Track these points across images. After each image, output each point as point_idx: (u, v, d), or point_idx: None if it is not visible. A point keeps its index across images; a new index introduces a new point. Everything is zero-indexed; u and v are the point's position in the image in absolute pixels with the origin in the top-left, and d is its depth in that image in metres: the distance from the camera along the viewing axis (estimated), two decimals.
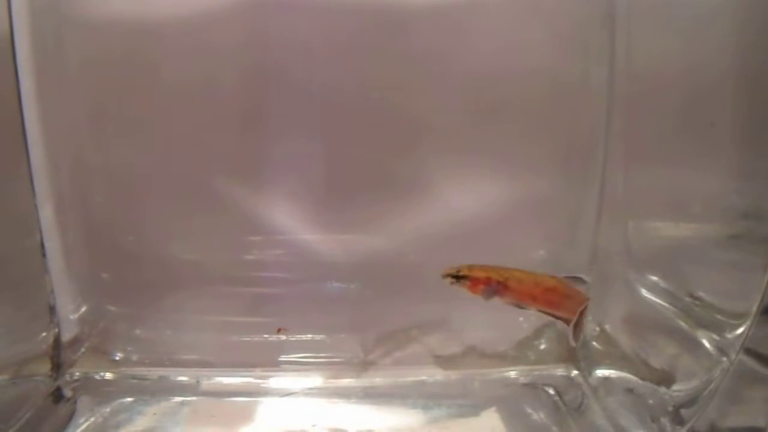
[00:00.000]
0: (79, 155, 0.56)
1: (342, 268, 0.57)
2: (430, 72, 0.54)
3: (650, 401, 0.51)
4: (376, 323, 0.57)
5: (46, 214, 0.55)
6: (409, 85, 0.54)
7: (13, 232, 0.55)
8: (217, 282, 0.58)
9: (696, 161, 0.51)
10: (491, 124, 0.55)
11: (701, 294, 0.51)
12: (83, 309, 0.58)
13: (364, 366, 0.57)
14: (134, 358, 0.58)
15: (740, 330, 0.44)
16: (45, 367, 0.56)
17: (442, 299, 0.57)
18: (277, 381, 0.57)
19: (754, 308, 0.43)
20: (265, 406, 0.55)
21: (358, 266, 0.56)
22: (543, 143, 0.56)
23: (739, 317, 0.45)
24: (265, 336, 0.57)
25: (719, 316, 0.48)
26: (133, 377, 0.58)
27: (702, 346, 0.49)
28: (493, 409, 0.54)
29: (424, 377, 0.57)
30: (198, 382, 0.57)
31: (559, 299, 0.52)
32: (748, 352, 0.44)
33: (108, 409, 0.54)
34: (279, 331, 0.57)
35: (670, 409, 0.49)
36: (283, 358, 0.57)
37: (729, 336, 0.45)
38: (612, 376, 0.55)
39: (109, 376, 0.58)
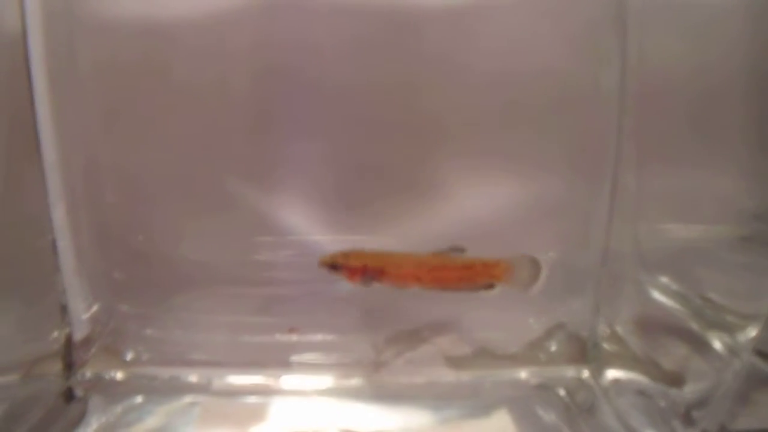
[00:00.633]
0: (91, 156, 0.57)
1: None
2: (442, 74, 0.55)
3: (661, 402, 0.52)
4: (387, 324, 0.58)
5: (59, 214, 0.56)
6: (421, 86, 0.55)
7: (26, 231, 0.56)
8: (228, 282, 0.59)
9: (708, 163, 0.52)
10: (503, 126, 0.56)
11: (712, 296, 0.52)
12: (94, 308, 0.58)
13: (375, 366, 0.58)
14: (145, 357, 0.59)
15: (751, 332, 0.45)
16: (56, 366, 0.57)
17: (453, 300, 0.58)
18: (289, 381, 0.58)
19: (765, 310, 0.45)
20: (276, 406, 0.55)
21: None
22: (554, 145, 0.56)
23: (750, 319, 0.46)
24: (276, 336, 0.58)
25: (730, 318, 0.49)
26: (144, 377, 0.59)
27: (713, 347, 0.50)
28: (504, 409, 0.55)
29: (435, 378, 0.58)
30: (209, 382, 0.58)
31: (455, 274, 0.52)
32: (759, 354, 0.45)
33: (119, 409, 0.55)
34: (291, 331, 0.57)
35: (682, 410, 0.50)
36: (294, 358, 0.58)
37: (740, 338, 0.47)
38: (623, 377, 0.56)
39: (119, 375, 0.59)
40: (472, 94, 0.55)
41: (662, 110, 0.53)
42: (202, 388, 0.58)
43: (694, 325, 0.51)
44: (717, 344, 0.49)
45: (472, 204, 0.56)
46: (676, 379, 0.52)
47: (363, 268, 0.51)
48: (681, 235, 0.54)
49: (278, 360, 0.58)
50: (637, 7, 0.54)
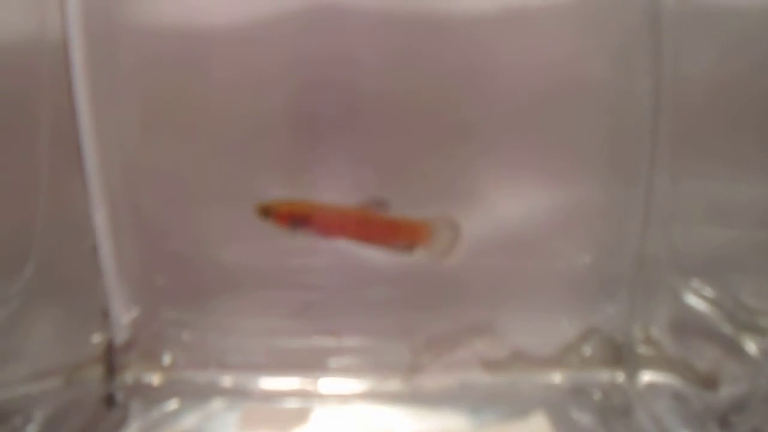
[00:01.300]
0: (131, 161, 0.59)
1: (391, 274, 0.59)
2: (479, 84, 0.56)
3: (696, 405, 0.54)
4: (424, 328, 0.60)
5: (100, 218, 0.58)
6: (458, 97, 0.56)
7: (69, 235, 0.57)
8: (266, 286, 0.61)
9: (742, 168, 0.54)
10: (538, 134, 0.57)
11: (746, 300, 0.53)
12: (135, 313, 0.60)
13: (412, 370, 0.59)
14: (182, 361, 0.61)
15: None
16: (98, 371, 0.58)
17: (488, 305, 0.60)
18: (327, 384, 0.60)
19: None
20: (315, 410, 0.57)
21: (406, 271, 0.58)
22: (589, 151, 0.58)
23: None
24: (315, 340, 0.60)
25: (763, 322, 0.51)
26: (181, 381, 0.60)
27: (746, 351, 0.51)
28: (541, 412, 0.57)
29: (471, 381, 0.59)
30: (247, 385, 0.60)
31: (378, 230, 0.54)
32: None
33: (159, 414, 0.57)
34: (332, 334, 0.59)
35: (717, 413, 0.52)
36: (332, 362, 0.60)
37: None
38: (658, 380, 0.57)
39: (157, 380, 0.60)
40: (509, 103, 0.57)
41: (697, 116, 0.55)
42: (240, 392, 0.59)
43: (728, 329, 0.53)
44: (751, 347, 0.51)
45: (508, 210, 0.58)
46: (710, 382, 0.54)
47: (290, 215, 0.54)
48: (715, 239, 0.56)
49: (316, 364, 0.60)
50: (671, 16, 0.56)
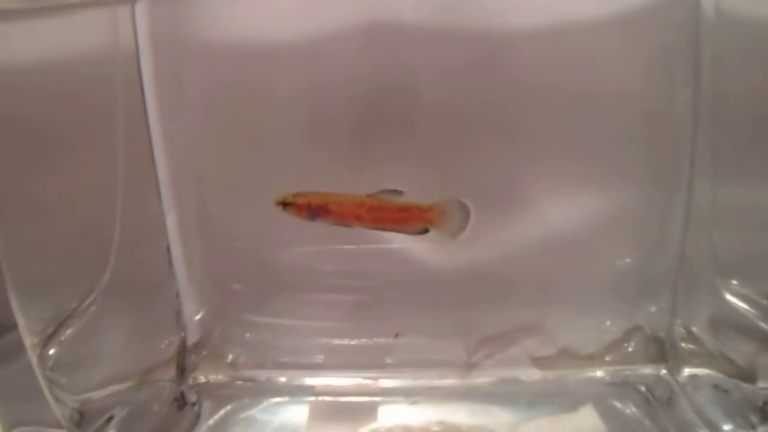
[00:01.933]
0: (198, 168, 0.63)
1: (443, 276, 0.63)
2: (528, 94, 0.60)
3: (736, 397, 0.58)
4: (478, 329, 0.64)
5: (171, 222, 0.62)
6: (509, 106, 0.60)
7: (143, 239, 0.61)
8: (326, 288, 0.65)
9: None
10: (584, 142, 0.61)
11: None
12: (204, 314, 0.63)
13: (468, 368, 0.64)
14: (248, 361, 0.65)
15: None
16: (170, 372, 0.62)
17: (538, 305, 0.64)
18: (386, 382, 0.64)
19: None
20: (378, 406, 0.62)
21: (461, 274, 0.63)
22: (632, 159, 0.62)
23: None
24: (374, 340, 0.63)
25: None
26: (248, 380, 0.65)
27: None
28: (589, 405, 0.61)
29: (523, 377, 0.64)
30: (310, 383, 0.64)
31: (392, 215, 0.57)
32: None
33: (230, 413, 0.61)
34: (396, 336, 0.63)
35: (756, 404, 0.56)
36: (390, 360, 0.64)
37: None
38: (699, 373, 0.62)
39: (225, 379, 0.64)
40: (556, 112, 0.61)
41: (735, 124, 0.59)
42: (304, 390, 0.64)
43: (765, 325, 0.57)
44: None
45: (556, 215, 0.62)
46: (749, 376, 0.58)
47: (308, 205, 0.57)
48: (753, 241, 0.60)
49: (376, 362, 0.64)
50: (710, 29, 0.59)
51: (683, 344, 0.63)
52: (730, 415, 0.58)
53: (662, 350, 0.64)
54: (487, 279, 0.63)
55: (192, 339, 0.64)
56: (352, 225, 0.58)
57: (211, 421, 0.60)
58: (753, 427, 0.55)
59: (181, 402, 0.62)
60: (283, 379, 0.65)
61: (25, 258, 0.51)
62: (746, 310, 0.59)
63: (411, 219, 0.57)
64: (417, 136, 0.61)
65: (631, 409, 0.61)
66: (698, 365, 0.62)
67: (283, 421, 0.61)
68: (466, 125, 0.61)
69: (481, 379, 0.64)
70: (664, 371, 0.64)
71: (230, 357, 0.65)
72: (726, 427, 0.56)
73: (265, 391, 0.63)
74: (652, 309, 0.64)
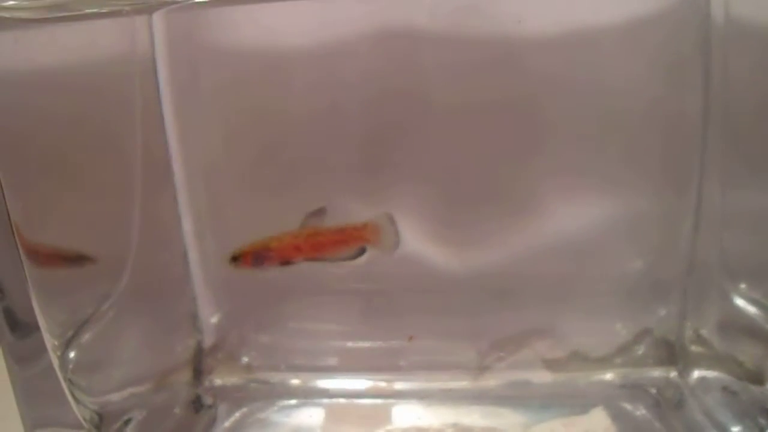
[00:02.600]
0: (213, 173, 0.64)
1: (459, 280, 0.64)
2: (541, 97, 0.61)
3: (745, 399, 0.59)
4: (489, 332, 0.65)
5: (187, 225, 0.63)
6: (521, 110, 0.61)
7: (162, 242, 0.63)
8: (339, 291, 0.66)
9: None
10: (597, 146, 0.63)
11: None
12: (219, 316, 0.65)
13: (480, 370, 0.65)
14: (263, 364, 0.66)
15: None
16: (187, 374, 0.63)
17: (549, 308, 0.65)
18: (400, 385, 0.65)
19: None
20: (392, 408, 0.63)
21: (473, 278, 0.64)
22: (642, 163, 0.63)
23: None
24: (389, 342, 0.65)
25: None
26: (263, 382, 0.66)
27: None
28: (600, 407, 0.63)
29: (534, 379, 0.65)
30: (325, 386, 0.65)
31: (330, 238, 0.59)
32: None
33: (246, 416, 0.63)
34: (410, 339, 0.64)
35: (767, 406, 0.57)
36: (403, 363, 0.66)
37: None
38: (709, 376, 0.63)
39: (241, 382, 0.65)
40: (569, 116, 0.62)
41: (745, 129, 0.60)
42: (318, 392, 0.65)
43: None
44: None
45: (568, 218, 0.63)
46: (758, 378, 0.59)
47: (251, 253, 0.59)
48: (763, 245, 0.61)
49: (389, 365, 0.65)
50: (720, 36, 0.61)
51: (693, 347, 0.64)
52: (739, 417, 0.59)
53: (672, 353, 0.65)
54: (498, 282, 0.64)
55: (208, 342, 0.66)
56: (295, 260, 0.59)
57: (227, 423, 0.62)
58: (762, 429, 0.56)
59: (197, 404, 0.64)
60: (297, 382, 0.66)
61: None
62: (755, 313, 0.60)
63: (348, 239, 0.60)
64: (430, 140, 0.62)
65: (641, 411, 0.63)
66: (708, 368, 0.63)
67: (298, 423, 0.62)
68: (480, 130, 0.62)
69: (493, 381, 0.65)
70: (674, 374, 0.65)
71: (245, 360, 0.67)
72: (735, 428, 0.58)
73: (279, 393, 0.65)
74: (662, 312, 0.65)
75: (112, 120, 0.59)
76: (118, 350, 0.60)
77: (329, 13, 0.60)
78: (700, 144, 0.62)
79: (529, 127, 0.62)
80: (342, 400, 0.64)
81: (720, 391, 0.62)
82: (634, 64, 0.62)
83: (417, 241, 0.64)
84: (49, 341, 0.53)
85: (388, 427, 0.61)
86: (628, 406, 0.63)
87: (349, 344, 0.67)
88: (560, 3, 0.59)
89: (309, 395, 0.65)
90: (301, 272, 0.66)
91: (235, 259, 0.59)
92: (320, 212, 0.59)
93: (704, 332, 0.64)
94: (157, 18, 0.59)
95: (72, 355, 0.56)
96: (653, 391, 0.64)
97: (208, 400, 0.65)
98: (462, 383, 0.65)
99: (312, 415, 0.63)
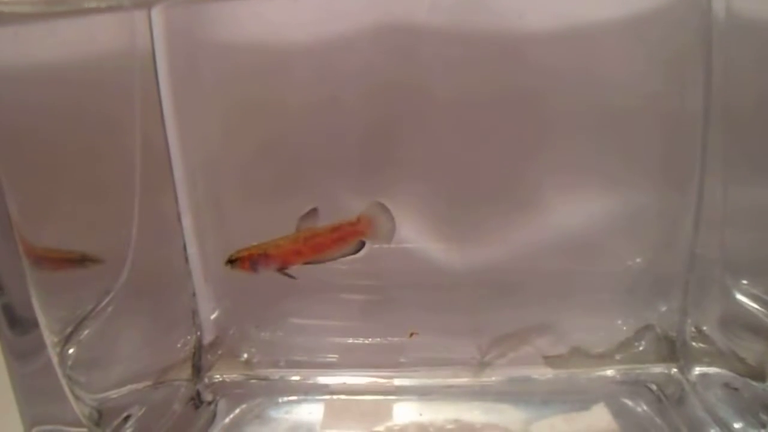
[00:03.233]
0: (213, 168, 0.65)
1: (460, 276, 0.65)
2: (541, 93, 0.62)
3: (746, 395, 0.60)
4: (490, 328, 0.66)
5: (187, 222, 0.64)
6: (521, 104, 0.62)
7: (162, 238, 0.63)
8: (340, 288, 0.67)
9: None
10: (597, 143, 0.63)
11: None
12: (219, 313, 0.65)
13: (481, 366, 0.66)
14: (262, 360, 0.67)
15: None
16: (186, 371, 0.64)
17: (549, 305, 0.66)
18: (400, 381, 0.66)
19: None
20: (392, 404, 0.64)
21: (474, 274, 0.65)
22: (643, 159, 0.63)
23: None
24: (390, 339, 0.65)
25: None
26: (262, 378, 0.66)
27: None
28: (601, 403, 0.63)
29: (535, 375, 0.66)
30: (325, 382, 0.66)
31: (328, 238, 0.59)
32: None
33: (245, 411, 0.63)
34: (411, 335, 0.64)
35: (766, 402, 0.58)
36: (403, 360, 0.66)
37: None
38: (710, 372, 0.63)
39: (240, 378, 0.66)
40: (569, 111, 0.62)
41: (745, 125, 0.60)
42: (318, 388, 0.66)
43: None
44: None
45: (569, 215, 0.64)
46: (759, 374, 0.60)
47: (249, 256, 0.59)
48: (763, 241, 0.61)
49: (390, 361, 0.66)
50: (721, 31, 0.61)
51: (694, 343, 0.64)
52: (741, 413, 0.59)
53: (673, 349, 0.66)
54: (499, 278, 0.65)
55: (208, 338, 0.66)
56: (295, 263, 0.59)
57: (227, 420, 0.63)
58: (763, 424, 0.57)
59: (197, 401, 0.64)
60: (297, 378, 0.67)
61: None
62: (756, 309, 0.61)
63: (345, 236, 0.59)
64: (430, 135, 0.63)
65: (642, 408, 0.63)
66: (709, 364, 0.64)
67: (298, 419, 0.63)
68: (479, 126, 0.63)
69: (494, 377, 0.66)
70: (675, 370, 0.66)
71: (245, 356, 0.67)
72: (736, 425, 0.58)
73: (279, 389, 0.65)
74: (663, 308, 0.66)
75: (112, 114, 0.59)
76: (118, 347, 0.60)
77: (329, 6, 0.60)
78: (701, 140, 0.63)
79: (530, 123, 0.63)
80: (342, 397, 0.65)
81: (721, 387, 0.62)
82: (635, 59, 0.62)
83: (417, 238, 0.65)
84: (49, 338, 0.53)
85: (389, 424, 0.61)
86: (629, 403, 0.63)
87: (350, 340, 0.67)
88: None
89: (309, 391, 0.65)
90: (301, 268, 0.67)
91: (232, 262, 0.59)
92: (312, 214, 0.59)
93: (705, 328, 0.64)
94: (157, 12, 0.59)
95: (71, 351, 0.56)
96: (654, 387, 0.65)
97: (207, 396, 0.65)
98: (463, 379, 0.66)
99: (312, 411, 0.63)
